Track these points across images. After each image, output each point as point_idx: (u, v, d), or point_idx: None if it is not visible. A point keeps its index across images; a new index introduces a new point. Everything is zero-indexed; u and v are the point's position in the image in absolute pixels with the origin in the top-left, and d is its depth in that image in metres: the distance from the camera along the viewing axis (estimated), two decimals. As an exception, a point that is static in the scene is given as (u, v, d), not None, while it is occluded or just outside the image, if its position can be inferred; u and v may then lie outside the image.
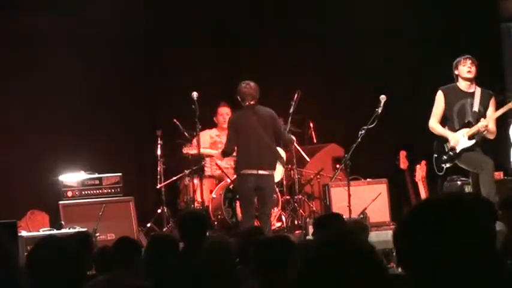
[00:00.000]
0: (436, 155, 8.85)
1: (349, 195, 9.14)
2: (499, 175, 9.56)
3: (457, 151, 8.67)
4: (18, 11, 10.64)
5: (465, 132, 8.64)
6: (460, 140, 8.65)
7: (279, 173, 9.63)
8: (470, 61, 8.61)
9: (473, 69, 8.61)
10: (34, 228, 9.62)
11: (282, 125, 9.58)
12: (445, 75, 9.00)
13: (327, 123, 11.21)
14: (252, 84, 9.06)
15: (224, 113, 10.43)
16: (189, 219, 6.00)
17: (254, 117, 8.99)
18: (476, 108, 8.66)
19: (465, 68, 8.62)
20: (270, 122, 9.08)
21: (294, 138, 9.91)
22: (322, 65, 11.46)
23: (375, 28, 11.21)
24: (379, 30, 11.21)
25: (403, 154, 10.03)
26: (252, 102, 9.02)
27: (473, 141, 8.63)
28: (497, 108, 8.74)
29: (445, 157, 8.75)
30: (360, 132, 8.96)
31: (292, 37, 11.52)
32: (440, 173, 8.89)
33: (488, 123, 8.63)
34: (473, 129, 8.62)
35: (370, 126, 8.93)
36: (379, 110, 8.95)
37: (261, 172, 8.89)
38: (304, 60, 11.44)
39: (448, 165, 8.78)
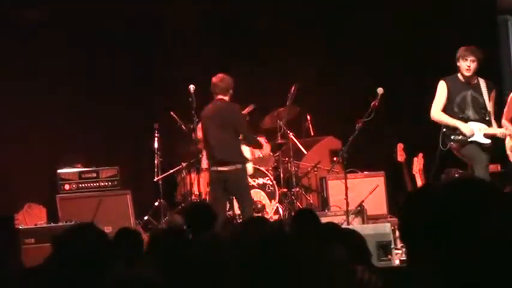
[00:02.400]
0: (444, 129, 8.48)
1: (346, 188, 9.14)
2: (496, 167, 9.51)
3: (468, 139, 8.42)
4: (18, 9, 10.63)
5: (482, 127, 8.44)
6: (475, 132, 8.41)
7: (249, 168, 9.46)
8: (471, 57, 8.37)
9: (473, 65, 8.39)
10: (31, 221, 9.62)
11: (247, 122, 9.34)
12: (443, 68, 8.98)
13: (325, 115, 11.20)
14: (220, 76, 8.84)
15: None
16: (200, 210, 5.96)
17: (215, 113, 8.78)
18: (488, 106, 8.53)
19: (464, 66, 8.43)
20: (230, 118, 8.77)
21: (262, 143, 9.83)
22: (320, 58, 11.44)
23: (374, 22, 11.20)
24: (378, 23, 11.19)
25: (400, 147, 10.01)
26: (218, 97, 8.85)
27: (488, 141, 8.41)
28: (495, 103, 8.68)
29: (454, 137, 8.46)
30: (357, 125, 8.94)
31: (291, 30, 11.50)
32: (444, 149, 8.64)
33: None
34: (492, 131, 8.44)
35: (367, 119, 8.91)
36: (376, 102, 8.93)
37: (220, 169, 8.71)
38: (303, 53, 11.41)
39: (453, 144, 8.46)
